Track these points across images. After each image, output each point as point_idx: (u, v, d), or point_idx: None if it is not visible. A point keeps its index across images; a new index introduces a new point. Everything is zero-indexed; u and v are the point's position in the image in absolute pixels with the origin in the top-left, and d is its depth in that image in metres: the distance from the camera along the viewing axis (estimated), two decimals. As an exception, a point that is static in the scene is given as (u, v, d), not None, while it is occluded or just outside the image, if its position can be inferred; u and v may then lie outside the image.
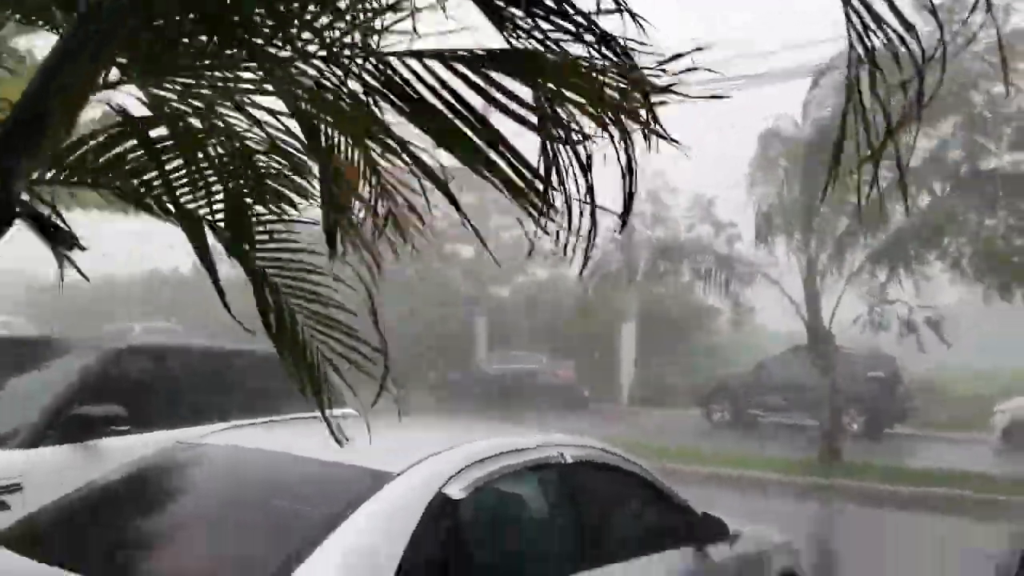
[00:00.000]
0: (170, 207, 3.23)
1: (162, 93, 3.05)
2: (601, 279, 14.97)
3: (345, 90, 2.82)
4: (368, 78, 2.75)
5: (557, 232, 2.74)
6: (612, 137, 2.64)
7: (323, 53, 2.81)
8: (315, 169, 3.18)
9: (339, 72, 2.82)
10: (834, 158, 2.54)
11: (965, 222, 12.68)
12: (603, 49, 2.49)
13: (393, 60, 2.72)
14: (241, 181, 3.27)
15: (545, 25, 2.49)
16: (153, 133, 3.12)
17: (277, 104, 3.03)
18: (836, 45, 2.41)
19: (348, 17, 2.81)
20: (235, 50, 2.84)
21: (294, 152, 3.23)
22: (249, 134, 3.14)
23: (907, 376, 19.93)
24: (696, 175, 15.91)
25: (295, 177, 3.28)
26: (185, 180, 3.27)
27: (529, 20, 2.49)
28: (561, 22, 2.48)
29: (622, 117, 2.60)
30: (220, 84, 2.99)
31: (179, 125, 3.12)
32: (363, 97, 2.78)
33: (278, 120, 3.04)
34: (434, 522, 2.93)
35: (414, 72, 2.68)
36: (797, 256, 13.73)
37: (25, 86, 2.45)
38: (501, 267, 22.32)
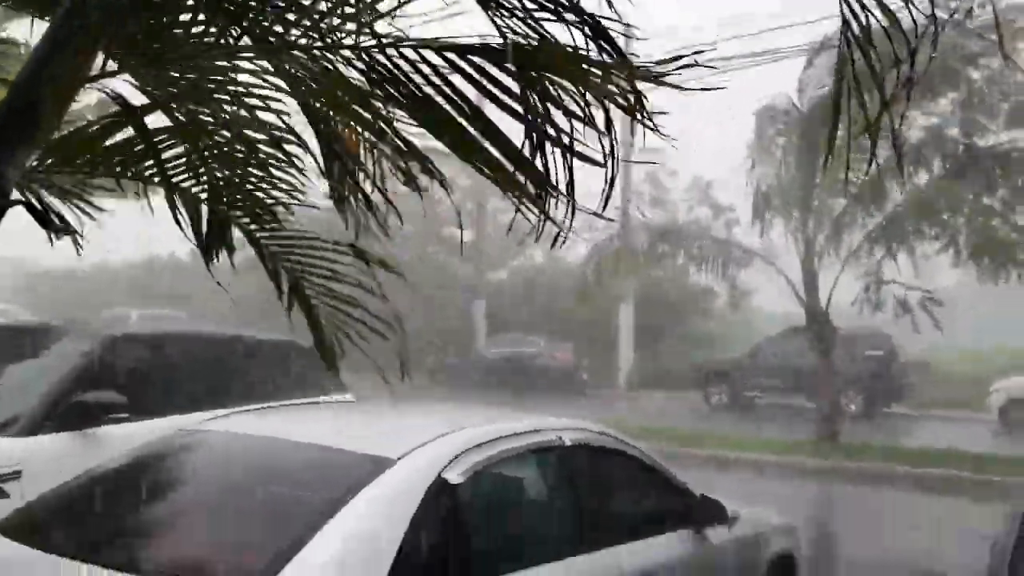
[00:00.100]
0: (170, 189, 3.24)
1: (158, 92, 3.05)
2: (599, 262, 14.97)
3: (340, 77, 2.83)
4: (362, 66, 2.76)
5: (544, 217, 2.75)
6: (596, 128, 2.64)
7: (319, 43, 2.81)
8: (314, 151, 3.21)
9: (335, 60, 2.83)
10: (831, 135, 2.54)
11: (962, 201, 12.66)
12: (587, 32, 2.49)
13: (388, 50, 2.73)
14: (245, 165, 3.29)
15: (530, 5, 2.50)
16: (152, 122, 3.13)
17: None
18: (834, 23, 2.41)
19: (342, 7, 2.82)
20: (235, 38, 2.84)
21: (290, 138, 3.24)
22: (245, 115, 3.15)
23: (904, 356, 19.97)
24: (698, 158, 15.89)
25: (294, 160, 3.31)
26: (184, 165, 3.27)
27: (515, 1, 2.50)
28: (546, 2, 2.48)
29: (607, 104, 2.60)
30: (219, 75, 3.00)
31: (176, 112, 3.12)
32: (358, 85, 2.80)
33: (276, 113, 3.06)
34: (434, 507, 2.93)
35: (407, 60, 2.69)
36: (795, 237, 13.72)
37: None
38: (499, 251, 22.36)
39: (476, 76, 2.59)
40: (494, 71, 2.61)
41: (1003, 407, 17.99)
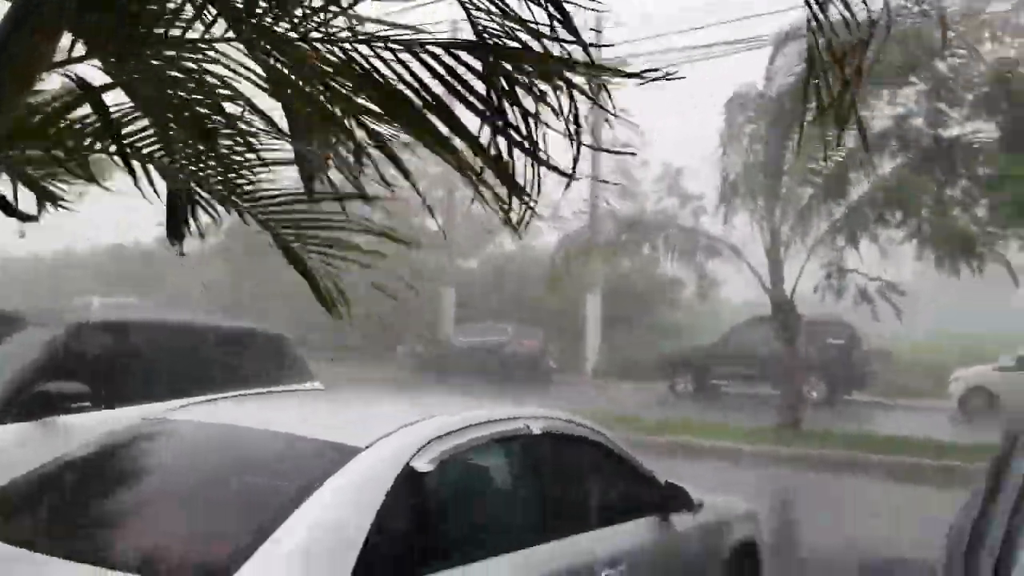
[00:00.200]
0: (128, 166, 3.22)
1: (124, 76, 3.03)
2: (567, 252, 15.01)
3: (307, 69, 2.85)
4: (332, 58, 2.78)
5: (507, 208, 2.79)
6: (561, 117, 2.68)
7: (290, 33, 2.82)
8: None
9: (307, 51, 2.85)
10: (802, 118, 2.60)
11: (925, 192, 12.83)
12: (550, 12, 2.53)
13: (354, 43, 2.77)
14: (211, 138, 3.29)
15: None
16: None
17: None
18: (801, 12, 2.47)
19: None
20: (207, 24, 2.85)
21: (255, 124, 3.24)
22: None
23: (866, 344, 20.25)
24: (672, 147, 15.95)
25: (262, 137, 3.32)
26: (145, 140, 3.26)
27: None
28: None
29: (571, 96, 2.64)
30: (191, 61, 3.00)
31: (140, 93, 3.10)
32: (326, 78, 2.82)
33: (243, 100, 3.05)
34: (401, 495, 2.94)
35: (375, 53, 2.72)
36: (760, 226, 13.83)
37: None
38: (469, 239, 22.29)
39: (440, 70, 2.62)
40: (458, 63, 2.64)
41: (963, 396, 18.34)
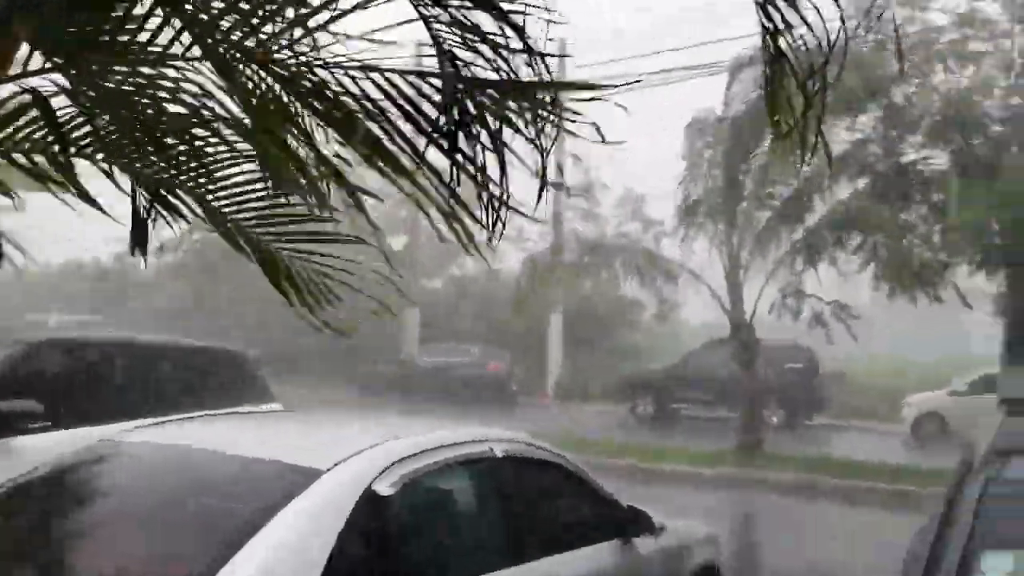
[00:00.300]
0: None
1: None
2: (531, 273, 15.05)
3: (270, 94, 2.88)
4: (299, 82, 2.81)
5: (464, 233, 2.83)
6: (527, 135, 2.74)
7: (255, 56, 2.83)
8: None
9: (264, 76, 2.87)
10: (757, 146, 2.66)
11: (881, 218, 13.06)
12: (506, 27, 2.58)
13: (316, 68, 2.81)
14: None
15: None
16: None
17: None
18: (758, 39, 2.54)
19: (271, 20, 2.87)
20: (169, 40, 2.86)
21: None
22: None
23: (823, 368, 20.49)
24: (633, 171, 16.08)
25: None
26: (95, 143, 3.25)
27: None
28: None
29: (537, 114, 2.69)
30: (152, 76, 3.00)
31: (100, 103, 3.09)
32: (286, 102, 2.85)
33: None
34: (363, 519, 2.92)
35: (336, 80, 2.76)
36: (719, 250, 13.99)
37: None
38: (433, 259, 22.19)
39: (396, 97, 2.67)
40: (415, 92, 2.70)
41: (915, 421, 18.61)
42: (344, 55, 2.86)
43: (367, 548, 2.97)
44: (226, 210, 3.59)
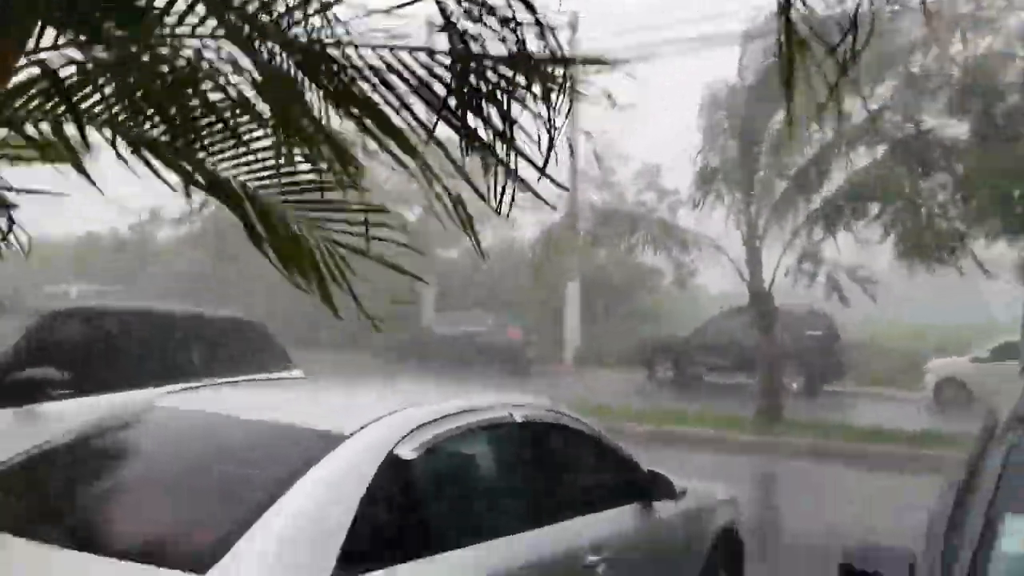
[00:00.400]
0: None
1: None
2: (548, 242, 15.04)
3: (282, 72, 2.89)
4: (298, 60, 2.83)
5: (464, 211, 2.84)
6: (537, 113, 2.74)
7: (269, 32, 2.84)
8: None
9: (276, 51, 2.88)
10: (789, 109, 2.62)
11: (900, 185, 12.95)
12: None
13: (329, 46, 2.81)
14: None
15: None
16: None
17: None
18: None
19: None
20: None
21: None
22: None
23: (843, 334, 20.42)
24: (652, 142, 16.00)
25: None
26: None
27: None
28: None
29: (549, 90, 2.69)
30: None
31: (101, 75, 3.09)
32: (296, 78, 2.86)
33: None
34: (386, 483, 2.94)
35: (348, 59, 2.76)
36: (737, 218, 13.92)
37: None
38: (450, 229, 22.13)
39: (408, 78, 2.67)
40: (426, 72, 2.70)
41: (936, 387, 18.56)
42: (355, 32, 2.86)
43: (390, 512, 3.00)
44: (244, 178, 3.59)
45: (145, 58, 3.09)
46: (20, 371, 5.01)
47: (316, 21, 2.91)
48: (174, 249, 29.87)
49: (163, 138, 3.43)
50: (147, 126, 3.37)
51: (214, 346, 6.46)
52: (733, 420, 13.57)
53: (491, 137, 2.81)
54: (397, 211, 26.32)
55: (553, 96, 2.75)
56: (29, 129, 3.33)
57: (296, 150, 3.18)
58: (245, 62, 2.97)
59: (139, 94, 3.23)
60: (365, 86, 2.87)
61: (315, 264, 3.48)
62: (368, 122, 2.93)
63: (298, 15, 2.92)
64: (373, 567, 2.77)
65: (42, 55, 2.92)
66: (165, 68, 3.13)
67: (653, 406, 15.05)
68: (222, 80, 3.19)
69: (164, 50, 3.09)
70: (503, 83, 2.75)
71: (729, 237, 14.21)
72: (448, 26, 2.70)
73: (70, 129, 3.27)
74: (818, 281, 13.66)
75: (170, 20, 3.01)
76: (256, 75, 3.03)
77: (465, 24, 2.71)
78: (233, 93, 3.22)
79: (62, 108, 3.17)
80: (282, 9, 2.91)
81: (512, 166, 2.83)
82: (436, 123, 2.81)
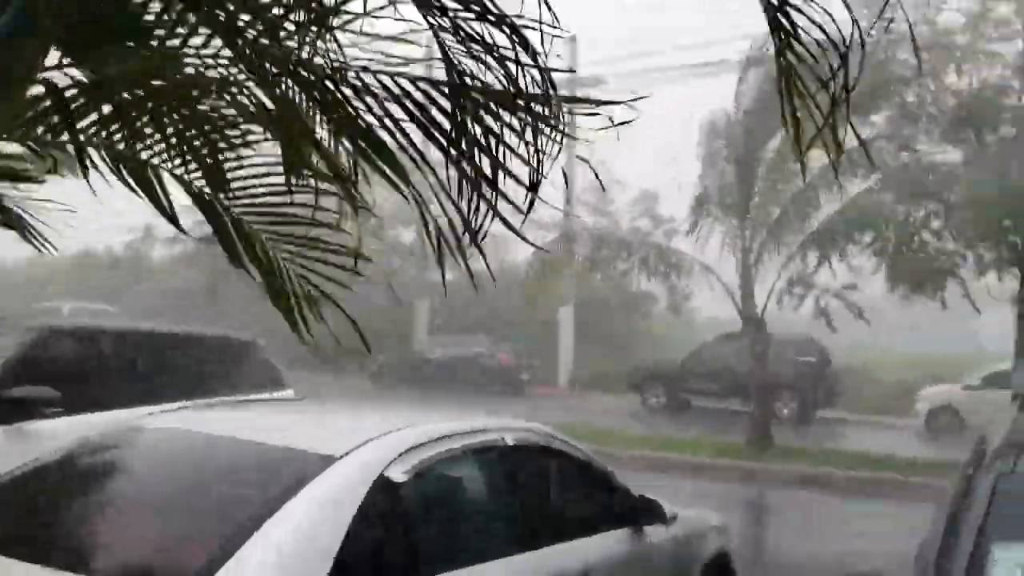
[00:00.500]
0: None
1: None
2: (542, 266, 15.08)
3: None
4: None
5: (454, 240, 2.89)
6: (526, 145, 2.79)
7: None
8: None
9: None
10: (794, 128, 2.64)
11: (891, 212, 13.02)
12: (506, 32, 2.61)
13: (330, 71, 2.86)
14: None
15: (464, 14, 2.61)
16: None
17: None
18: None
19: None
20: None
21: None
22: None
23: (836, 361, 20.43)
24: (647, 168, 16.13)
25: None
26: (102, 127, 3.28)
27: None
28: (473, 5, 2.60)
29: (538, 126, 2.74)
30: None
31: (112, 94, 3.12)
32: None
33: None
34: (375, 505, 2.94)
35: (348, 84, 2.81)
36: (732, 244, 13.99)
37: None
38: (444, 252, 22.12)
39: (408, 105, 2.71)
40: (426, 99, 2.75)
41: (929, 414, 18.58)
42: (355, 59, 2.90)
43: (380, 534, 2.99)
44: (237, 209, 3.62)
45: (143, 76, 3.12)
46: (13, 389, 4.99)
47: (320, 45, 2.95)
48: (168, 268, 29.83)
49: (158, 158, 3.45)
50: (144, 144, 3.40)
51: (206, 365, 6.45)
52: (725, 447, 13.53)
53: (480, 160, 2.85)
54: (393, 232, 26.45)
55: (542, 131, 2.80)
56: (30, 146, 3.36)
57: (293, 177, 3.21)
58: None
59: (134, 113, 3.26)
60: (360, 106, 2.90)
61: (287, 294, 3.52)
62: (363, 145, 2.96)
63: (299, 39, 2.96)
64: (362, 589, 2.76)
65: (44, 74, 2.95)
66: (161, 84, 3.17)
67: (645, 431, 15.02)
68: (221, 101, 3.23)
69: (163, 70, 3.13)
70: (494, 117, 2.81)
71: (723, 263, 14.29)
72: (446, 60, 2.75)
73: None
74: (807, 306, 13.71)
75: (173, 43, 3.04)
76: (260, 98, 3.06)
77: (462, 60, 2.76)
78: (231, 112, 3.26)
79: (63, 126, 3.19)
80: (286, 32, 2.96)
81: (502, 192, 2.87)
82: (446, 160, 2.85)
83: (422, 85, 2.82)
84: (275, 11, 2.93)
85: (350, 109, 2.88)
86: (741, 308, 13.93)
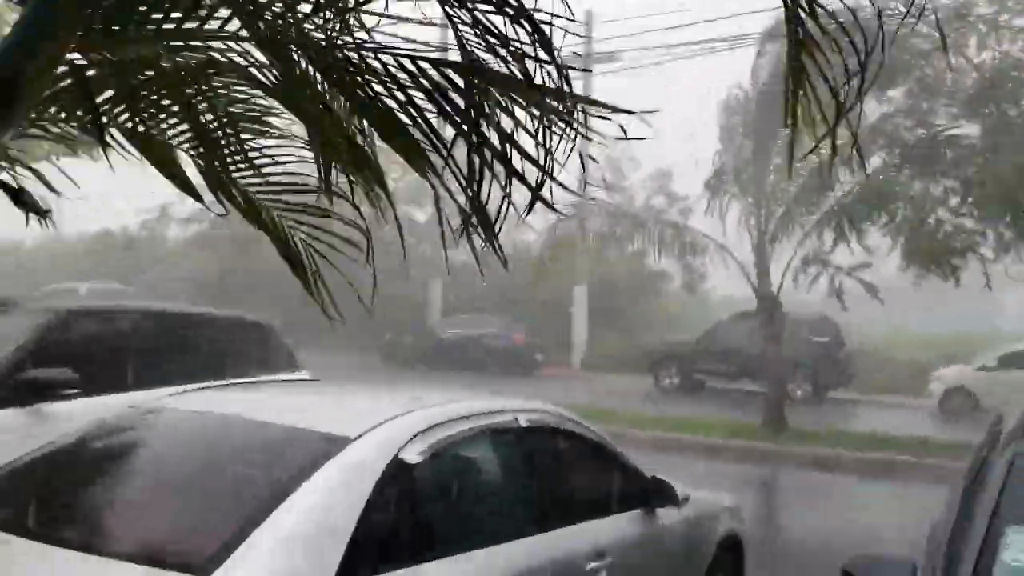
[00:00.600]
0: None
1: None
2: (555, 244, 15.05)
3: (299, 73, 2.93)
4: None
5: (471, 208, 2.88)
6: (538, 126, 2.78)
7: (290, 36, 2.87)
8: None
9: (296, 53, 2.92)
10: (792, 119, 2.62)
11: (908, 189, 12.89)
12: (524, 25, 2.61)
13: (347, 51, 2.85)
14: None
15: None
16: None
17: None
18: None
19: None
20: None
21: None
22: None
23: (849, 342, 20.34)
24: (667, 145, 16.04)
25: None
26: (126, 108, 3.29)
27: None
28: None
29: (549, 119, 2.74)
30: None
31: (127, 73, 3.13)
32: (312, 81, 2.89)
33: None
34: (390, 486, 2.96)
35: (366, 64, 2.80)
36: (747, 223, 13.89)
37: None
38: (459, 231, 22.11)
39: (427, 86, 2.71)
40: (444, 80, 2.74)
41: (943, 395, 18.49)
42: (374, 40, 2.90)
43: (394, 515, 3.01)
44: (252, 185, 3.63)
45: (164, 58, 3.13)
46: (30, 370, 5.04)
47: (338, 25, 2.95)
48: (181, 251, 29.96)
49: (178, 139, 3.47)
50: (166, 125, 3.42)
51: (220, 346, 6.48)
52: (739, 427, 13.52)
53: (500, 144, 2.84)
54: (407, 210, 26.40)
55: (552, 124, 2.81)
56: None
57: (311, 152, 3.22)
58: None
59: (154, 95, 3.28)
60: (379, 89, 2.90)
61: (303, 265, 3.54)
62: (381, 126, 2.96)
63: (319, 19, 2.96)
64: (377, 570, 2.79)
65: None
66: (182, 64, 3.18)
67: (659, 412, 15.01)
68: (241, 82, 3.24)
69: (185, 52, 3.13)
70: (507, 107, 2.81)
71: (740, 241, 14.20)
72: (462, 51, 2.75)
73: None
74: (821, 284, 13.60)
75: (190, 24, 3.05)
76: (279, 77, 3.06)
77: (480, 52, 2.76)
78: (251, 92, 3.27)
79: (83, 106, 3.21)
80: (305, 11, 2.96)
81: (519, 174, 2.86)
82: (456, 137, 2.85)
83: (440, 67, 2.82)
84: None
85: (369, 91, 2.87)
86: (756, 286, 13.85)
